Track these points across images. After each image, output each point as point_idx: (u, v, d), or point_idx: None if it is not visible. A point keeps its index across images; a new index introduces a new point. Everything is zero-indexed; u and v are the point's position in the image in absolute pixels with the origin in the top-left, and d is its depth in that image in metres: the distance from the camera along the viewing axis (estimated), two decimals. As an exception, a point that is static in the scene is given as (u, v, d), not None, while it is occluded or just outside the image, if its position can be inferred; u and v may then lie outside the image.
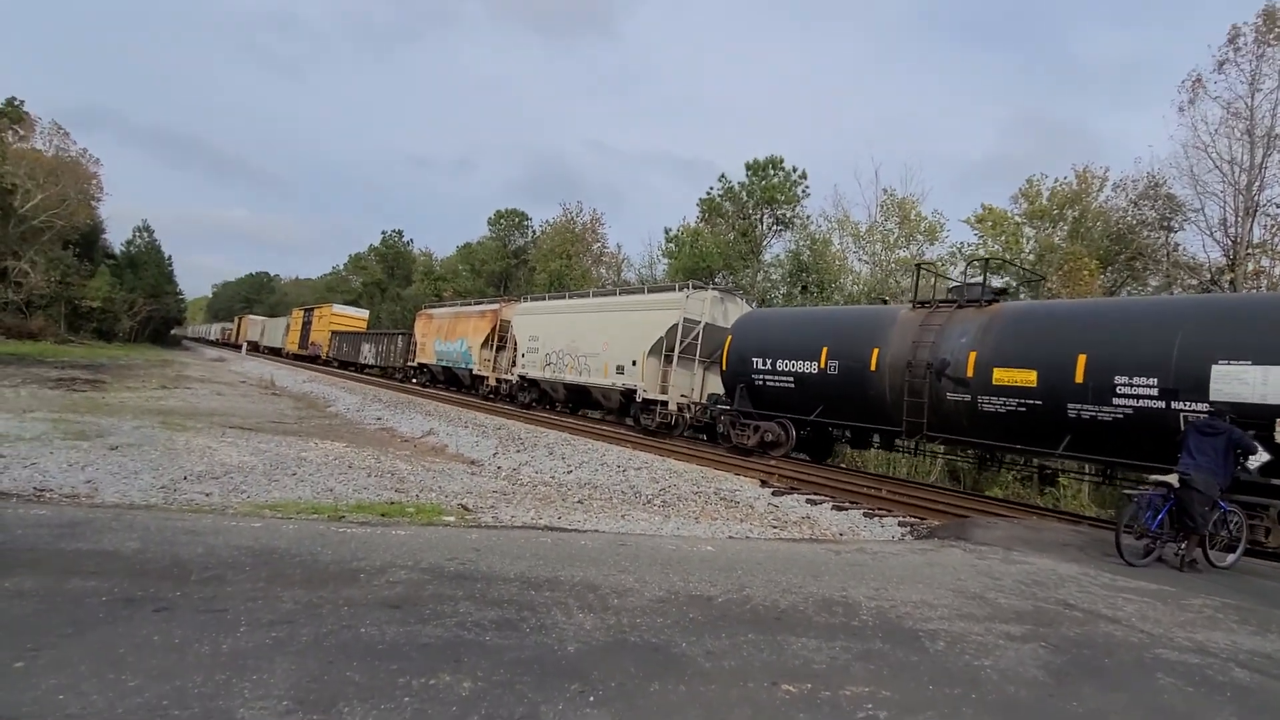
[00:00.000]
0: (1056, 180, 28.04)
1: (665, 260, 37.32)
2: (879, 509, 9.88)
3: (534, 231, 52.82)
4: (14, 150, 43.40)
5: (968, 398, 10.78)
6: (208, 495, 7.13)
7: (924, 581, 5.15)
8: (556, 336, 20.96)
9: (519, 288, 45.18)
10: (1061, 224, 28.16)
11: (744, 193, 35.87)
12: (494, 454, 13.32)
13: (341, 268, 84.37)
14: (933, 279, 16.66)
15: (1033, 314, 11.11)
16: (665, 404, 16.74)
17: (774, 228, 36.29)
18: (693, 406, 16.97)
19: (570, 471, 11.72)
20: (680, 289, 17.64)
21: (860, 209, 43.95)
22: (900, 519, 9.32)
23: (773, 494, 10.41)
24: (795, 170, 35.31)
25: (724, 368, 15.08)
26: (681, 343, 16.63)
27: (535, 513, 7.93)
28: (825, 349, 12.87)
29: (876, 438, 13.86)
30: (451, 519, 6.91)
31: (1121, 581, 5.91)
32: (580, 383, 19.82)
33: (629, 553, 5.12)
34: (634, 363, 17.49)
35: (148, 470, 7.94)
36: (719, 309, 17.25)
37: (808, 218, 34.72)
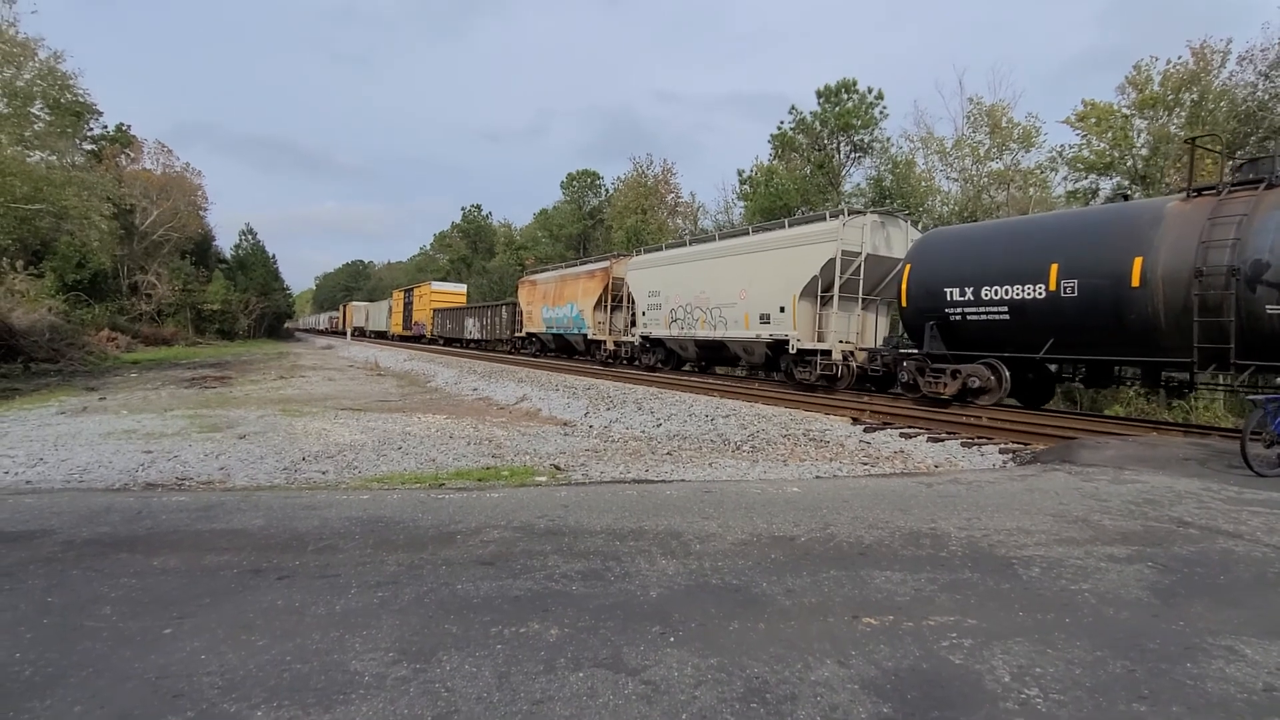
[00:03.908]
0: (1169, 62, 25.29)
1: (741, 203, 36.59)
2: (979, 438, 9.53)
3: (607, 190, 52.88)
4: (128, 172, 47.12)
5: None
6: (324, 473, 7.74)
7: (1020, 508, 4.98)
8: (682, 289, 19.07)
9: (597, 248, 45.51)
10: (1178, 111, 25.47)
11: (817, 122, 34.41)
12: (585, 414, 13.67)
13: (428, 247, 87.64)
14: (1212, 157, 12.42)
15: None
16: (826, 353, 14.67)
17: (852, 155, 34.75)
18: (857, 353, 14.75)
19: (659, 425, 11.89)
20: (833, 216, 15.28)
21: (945, 123, 41.15)
22: (1001, 446, 8.96)
23: (864, 431, 10.22)
24: (871, 91, 33.52)
25: (903, 303, 12.71)
26: (840, 279, 14.45)
27: (624, 467, 8.15)
28: (1055, 266, 10.30)
29: (1133, 374, 11.24)
30: (543, 479, 7.21)
31: (1248, 494, 5.50)
32: (715, 338, 17.90)
33: (713, 500, 5.20)
34: (782, 309, 15.48)
35: (272, 455, 8.67)
36: (880, 236, 14.83)
37: (888, 140, 33.03)
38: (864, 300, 15.02)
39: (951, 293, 11.74)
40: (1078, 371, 11.71)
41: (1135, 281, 9.46)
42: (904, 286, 12.70)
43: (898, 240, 15.04)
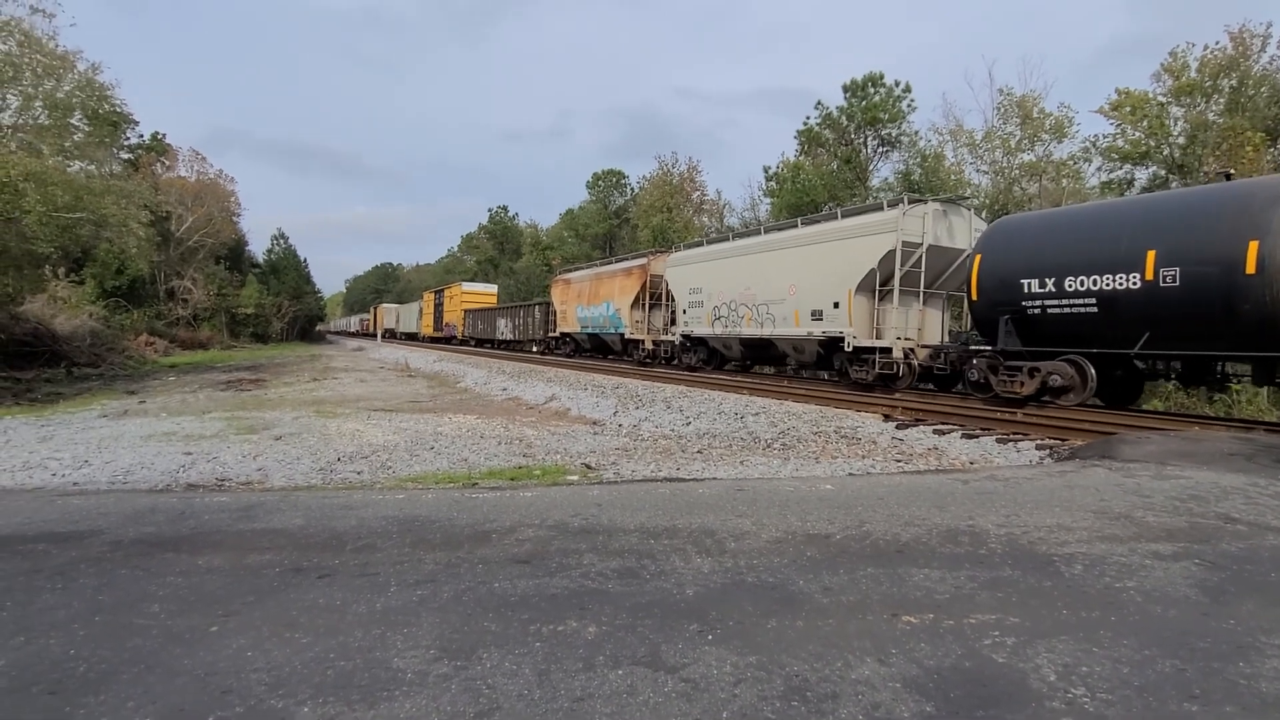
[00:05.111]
0: (1207, 48, 24.59)
1: (767, 200, 36.41)
2: (1014, 434, 9.37)
3: (632, 189, 52.91)
4: (164, 180, 48.28)
5: None
6: (359, 473, 7.85)
7: (1061, 505, 4.88)
8: (725, 285, 18.56)
9: (623, 247, 45.57)
10: (1216, 97, 24.76)
11: (843, 117, 34.06)
12: (614, 413, 13.69)
13: (455, 249, 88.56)
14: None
15: None
16: (886, 351, 13.87)
17: (879, 150, 34.36)
18: (918, 350, 14.03)
19: (689, 423, 11.87)
20: (891, 205, 14.51)
21: (974, 116, 40.78)
22: (1038, 442, 8.79)
23: (896, 427, 10.11)
24: (898, 85, 33.10)
25: (973, 296, 12.00)
26: (900, 272, 13.74)
27: (655, 466, 8.15)
28: (1152, 253, 9.52)
29: (1243, 371, 10.20)
30: (575, 478, 7.24)
31: (1300, 490, 5.33)
32: (762, 335, 17.26)
33: (746, 497, 5.18)
34: (836, 305, 14.82)
35: (307, 456, 8.83)
36: (942, 225, 14.04)
37: (916, 134, 32.60)
38: (925, 294, 14.23)
39: (1029, 284, 11.01)
40: (1172, 368, 10.76)
41: (1250, 268, 8.59)
42: (974, 278, 11.98)
43: (960, 230, 14.32)
